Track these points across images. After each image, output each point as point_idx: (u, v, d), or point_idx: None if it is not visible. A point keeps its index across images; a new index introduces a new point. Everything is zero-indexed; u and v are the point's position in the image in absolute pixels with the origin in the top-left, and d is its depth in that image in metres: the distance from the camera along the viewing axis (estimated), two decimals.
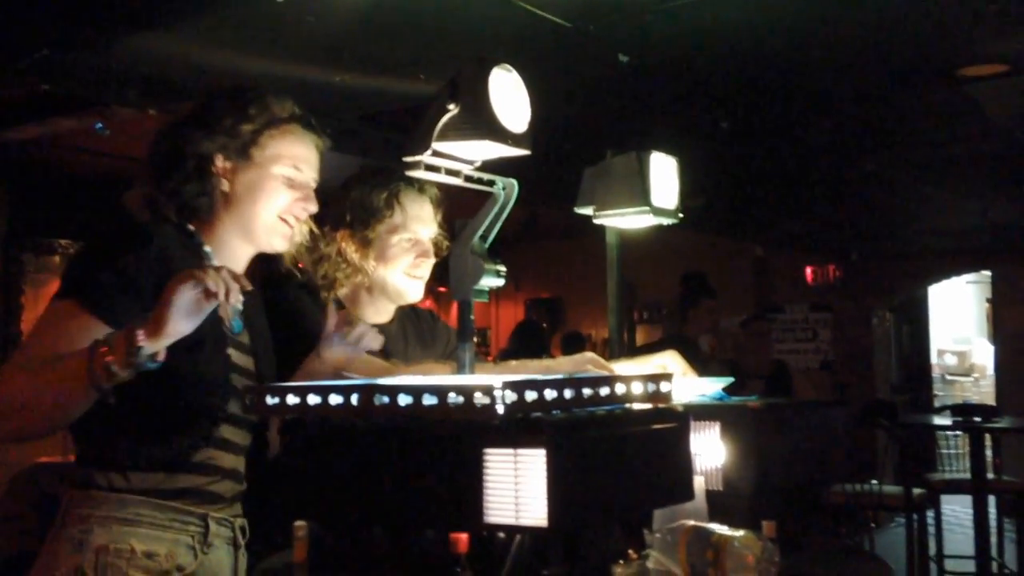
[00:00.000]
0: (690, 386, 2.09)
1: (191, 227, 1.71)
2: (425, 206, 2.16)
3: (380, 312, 2.19)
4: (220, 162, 1.70)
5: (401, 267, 2.12)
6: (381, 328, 2.16)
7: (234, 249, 1.75)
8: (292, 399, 1.38)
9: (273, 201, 1.72)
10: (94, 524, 1.55)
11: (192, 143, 1.69)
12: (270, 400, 1.41)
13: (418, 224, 2.14)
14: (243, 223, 1.73)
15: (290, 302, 2.06)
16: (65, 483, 1.64)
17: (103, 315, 1.51)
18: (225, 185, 1.71)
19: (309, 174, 1.77)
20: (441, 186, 1.66)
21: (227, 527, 1.69)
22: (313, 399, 1.36)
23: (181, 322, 1.42)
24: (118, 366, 1.41)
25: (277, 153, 1.73)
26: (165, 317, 1.41)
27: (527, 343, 6.42)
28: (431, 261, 2.17)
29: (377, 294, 2.16)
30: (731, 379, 2.19)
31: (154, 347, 1.42)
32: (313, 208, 1.77)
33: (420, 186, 2.15)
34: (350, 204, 2.13)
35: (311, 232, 1.85)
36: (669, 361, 2.15)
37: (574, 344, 6.86)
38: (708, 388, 2.13)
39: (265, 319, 1.86)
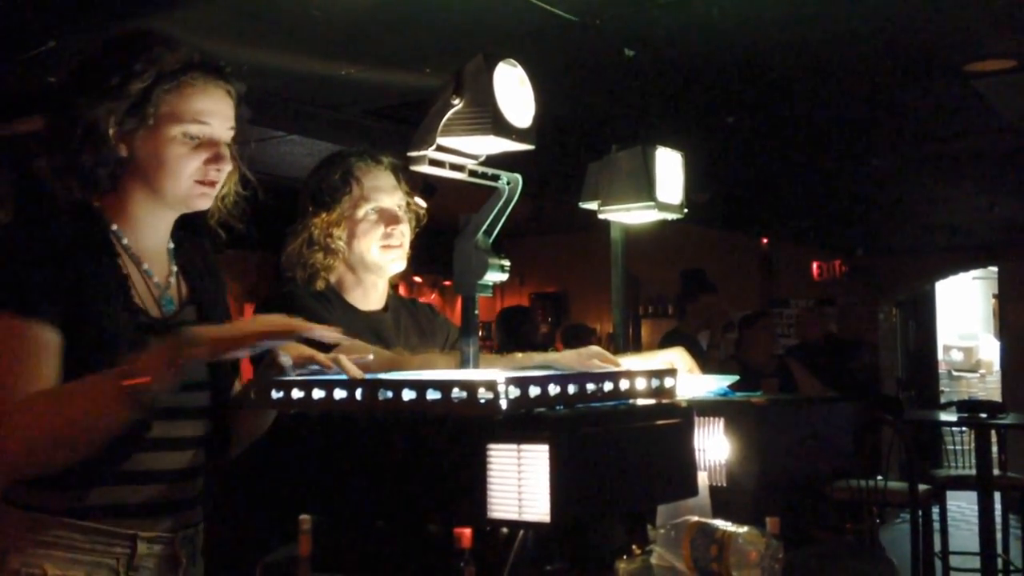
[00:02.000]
0: (695, 383, 2.09)
1: (96, 204, 1.55)
2: (381, 175, 2.17)
3: (370, 295, 2.20)
4: (112, 127, 1.48)
5: (374, 239, 2.14)
6: (374, 317, 2.17)
7: (152, 218, 1.58)
8: (297, 393, 1.39)
9: (180, 166, 1.52)
10: (9, 546, 1.44)
11: (79, 108, 1.48)
12: (275, 394, 1.41)
13: (379, 193, 2.15)
14: (153, 191, 1.54)
15: (292, 302, 2.06)
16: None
17: (37, 315, 1.42)
18: (123, 151, 1.51)
19: (220, 127, 1.55)
20: (429, 175, 1.62)
21: (163, 544, 1.53)
22: (317, 393, 1.37)
23: (231, 345, 1.41)
24: (157, 383, 1.36)
25: (175, 110, 1.50)
26: (212, 341, 1.39)
27: (513, 332, 6.17)
28: (403, 227, 2.17)
29: (361, 273, 2.17)
30: (736, 377, 2.19)
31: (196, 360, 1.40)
32: (226, 167, 1.57)
33: (374, 157, 2.18)
34: (311, 190, 2.16)
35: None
36: (676, 357, 2.15)
37: (578, 336, 6.82)
38: (713, 385, 2.13)
39: (223, 290, 1.74)
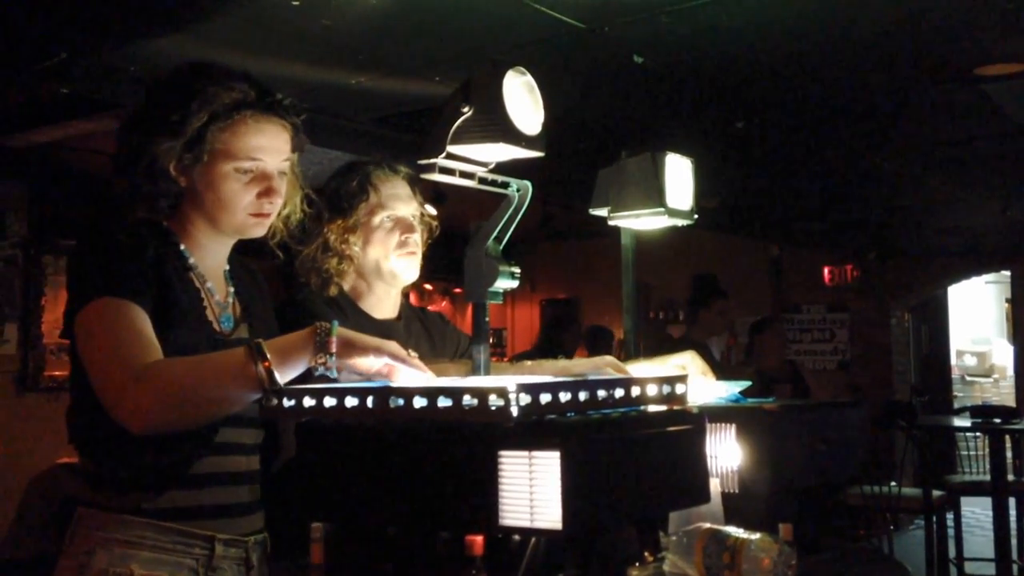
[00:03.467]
0: (707, 388, 2.09)
1: (166, 224, 1.65)
2: (399, 184, 2.19)
3: (383, 303, 2.21)
4: (171, 162, 1.58)
5: (390, 247, 2.15)
6: (387, 326, 2.18)
7: (212, 243, 1.68)
8: (308, 401, 1.39)
9: (234, 200, 1.61)
10: (97, 546, 1.51)
11: (141, 144, 1.58)
12: (287, 403, 1.42)
13: (395, 201, 2.17)
14: (210, 221, 1.64)
15: (306, 307, 2.07)
16: (76, 499, 1.59)
17: (138, 300, 1.50)
18: (183, 183, 1.60)
19: (273, 161, 1.63)
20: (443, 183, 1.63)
21: (238, 548, 1.61)
22: (329, 401, 1.37)
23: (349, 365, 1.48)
24: (289, 365, 1.45)
25: (228, 148, 1.58)
26: (348, 345, 1.47)
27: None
28: (417, 236, 2.19)
29: (375, 281, 2.18)
30: (749, 382, 2.18)
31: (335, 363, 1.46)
32: (278, 199, 1.65)
33: (391, 166, 2.20)
34: (328, 196, 2.18)
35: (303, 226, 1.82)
36: (688, 362, 2.15)
37: (599, 338, 6.84)
38: (725, 391, 2.12)
39: (270, 310, 1.83)
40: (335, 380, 1.48)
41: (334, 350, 1.46)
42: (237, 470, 1.63)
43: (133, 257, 1.53)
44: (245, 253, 1.79)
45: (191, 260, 1.64)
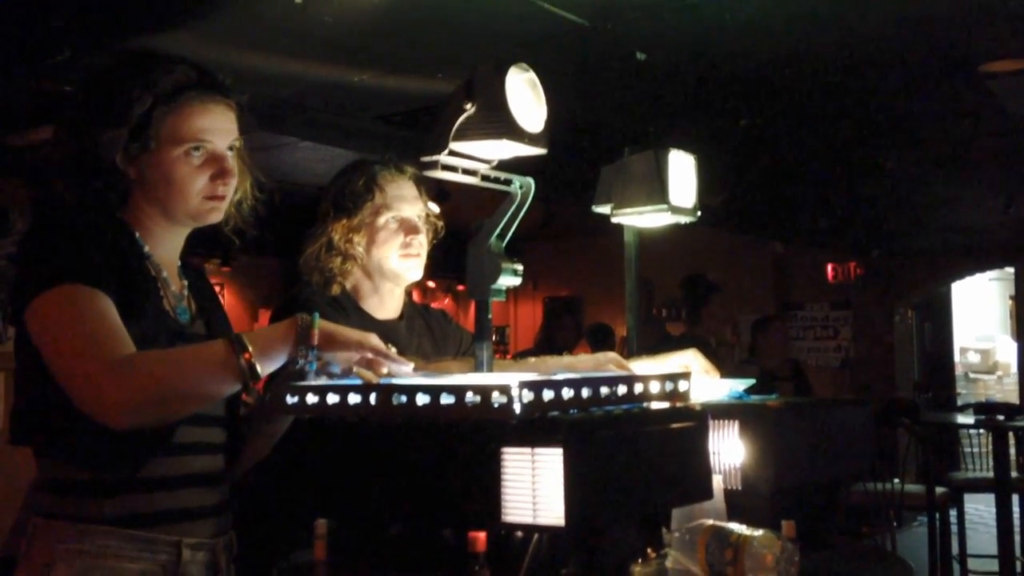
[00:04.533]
0: (711, 386, 2.09)
1: (119, 215, 1.57)
2: (405, 185, 2.19)
3: (386, 303, 2.21)
4: (118, 153, 1.51)
5: (394, 248, 2.15)
6: (389, 325, 2.18)
7: (167, 233, 1.61)
8: (312, 398, 1.39)
9: (187, 185, 1.55)
10: (57, 557, 1.43)
11: (83, 139, 1.51)
12: (289, 399, 1.42)
13: (401, 202, 2.17)
14: (164, 209, 1.57)
15: (307, 307, 2.07)
16: (33, 506, 1.52)
17: (101, 287, 1.43)
18: (132, 174, 1.54)
19: (222, 142, 1.57)
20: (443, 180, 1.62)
21: (204, 551, 1.55)
22: (332, 398, 1.37)
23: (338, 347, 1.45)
24: (270, 356, 1.42)
25: (175, 132, 1.52)
26: (329, 340, 1.43)
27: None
28: (422, 237, 2.18)
29: (378, 281, 2.18)
30: (753, 380, 2.18)
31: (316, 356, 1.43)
32: (232, 180, 1.59)
33: (398, 166, 2.19)
34: (333, 195, 2.17)
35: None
36: (690, 359, 2.14)
37: (600, 336, 6.85)
38: (727, 388, 2.12)
39: (223, 311, 1.76)
40: (314, 374, 1.45)
41: (315, 343, 1.42)
42: (202, 471, 1.57)
43: (95, 244, 1.47)
44: (209, 250, 1.75)
45: (146, 250, 1.58)
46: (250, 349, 1.40)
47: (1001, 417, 5.38)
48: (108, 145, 1.50)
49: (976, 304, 11.61)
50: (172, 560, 1.50)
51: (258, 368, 1.41)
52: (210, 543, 1.57)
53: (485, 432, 1.26)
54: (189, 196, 1.56)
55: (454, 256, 2.06)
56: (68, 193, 1.54)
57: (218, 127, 1.56)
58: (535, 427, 1.24)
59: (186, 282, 1.66)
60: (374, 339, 1.49)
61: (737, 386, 2.12)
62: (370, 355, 1.48)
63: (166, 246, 1.62)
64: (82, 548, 1.44)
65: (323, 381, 1.44)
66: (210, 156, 1.56)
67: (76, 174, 1.53)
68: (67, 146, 1.54)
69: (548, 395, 1.26)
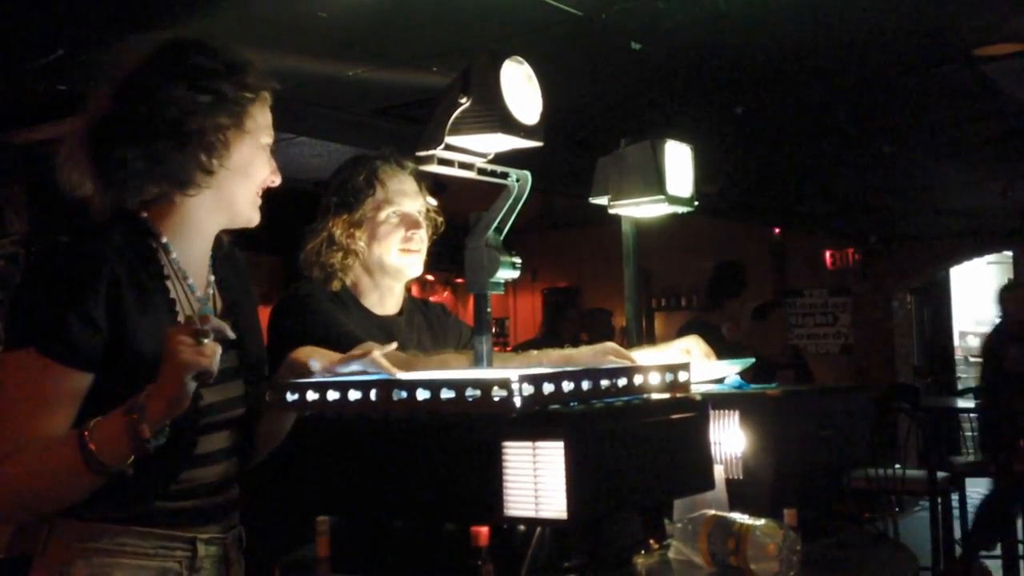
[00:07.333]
0: (709, 368, 2.09)
1: (144, 215, 1.52)
2: (406, 180, 2.18)
3: (386, 299, 2.20)
4: (216, 133, 1.49)
5: (394, 243, 2.15)
6: (389, 321, 2.18)
7: (204, 226, 1.58)
8: (312, 395, 1.39)
9: (262, 174, 1.58)
10: (75, 556, 1.44)
11: (187, 110, 1.47)
12: (290, 396, 1.42)
13: (402, 197, 2.16)
14: (226, 198, 1.55)
15: (308, 303, 2.06)
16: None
17: (69, 362, 1.40)
18: (218, 156, 1.50)
19: (271, 139, 1.63)
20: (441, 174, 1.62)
21: (217, 545, 1.56)
22: (332, 395, 1.37)
23: (185, 401, 1.36)
24: (116, 459, 1.35)
25: (261, 123, 1.57)
26: (165, 409, 1.35)
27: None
28: (422, 232, 2.18)
29: (378, 276, 2.18)
30: (751, 360, 2.18)
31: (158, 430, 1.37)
32: (279, 178, 1.62)
33: (399, 161, 2.18)
34: (334, 190, 2.17)
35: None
36: (692, 345, 2.14)
37: (596, 319, 6.82)
38: (727, 370, 2.12)
39: (254, 303, 1.73)
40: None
41: (147, 436, 1.35)
42: (216, 479, 1.57)
43: (83, 292, 1.41)
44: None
45: (173, 255, 1.54)
46: (92, 447, 1.35)
47: None
48: (215, 120, 1.49)
49: (975, 288, 11.61)
50: (188, 556, 1.52)
51: (119, 465, 1.36)
52: (221, 538, 1.58)
53: (486, 426, 1.26)
54: (256, 184, 1.57)
55: (453, 249, 2.06)
56: (138, 165, 1.47)
57: (270, 122, 1.61)
58: (536, 421, 1.24)
59: (213, 278, 1.63)
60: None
61: (734, 368, 2.12)
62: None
63: (200, 243, 1.59)
64: (100, 546, 1.45)
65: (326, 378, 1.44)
66: (271, 151, 1.60)
67: (158, 143, 1.46)
68: (160, 112, 1.47)
69: (548, 388, 1.26)
